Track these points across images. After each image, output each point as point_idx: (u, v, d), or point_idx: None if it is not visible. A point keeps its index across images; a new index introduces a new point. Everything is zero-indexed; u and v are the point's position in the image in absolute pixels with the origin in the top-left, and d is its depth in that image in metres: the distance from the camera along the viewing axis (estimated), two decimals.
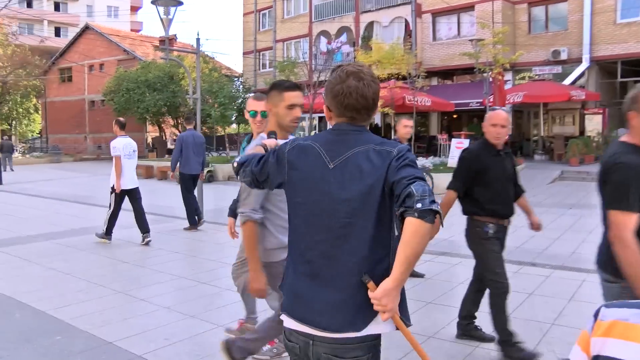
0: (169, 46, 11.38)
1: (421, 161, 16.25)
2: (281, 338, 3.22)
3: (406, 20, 24.75)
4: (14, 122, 41.84)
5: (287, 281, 1.99)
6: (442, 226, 1.98)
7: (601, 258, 2.56)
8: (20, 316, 4.80)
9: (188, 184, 9.22)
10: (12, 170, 25.42)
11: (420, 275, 5.91)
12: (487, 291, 3.91)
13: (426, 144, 22.44)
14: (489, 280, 3.84)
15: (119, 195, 7.96)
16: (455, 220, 4.13)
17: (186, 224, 9.21)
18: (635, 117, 2.39)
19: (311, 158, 1.92)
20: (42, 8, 52.97)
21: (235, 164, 2.21)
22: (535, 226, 4.08)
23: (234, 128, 30.12)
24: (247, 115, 3.74)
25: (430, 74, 22.83)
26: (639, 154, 2.37)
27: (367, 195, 1.79)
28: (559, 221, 9.47)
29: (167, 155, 26.80)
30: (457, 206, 3.95)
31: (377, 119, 27.10)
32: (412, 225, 1.62)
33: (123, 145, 7.95)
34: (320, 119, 27.42)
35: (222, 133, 27.70)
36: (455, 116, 25.06)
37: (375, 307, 1.73)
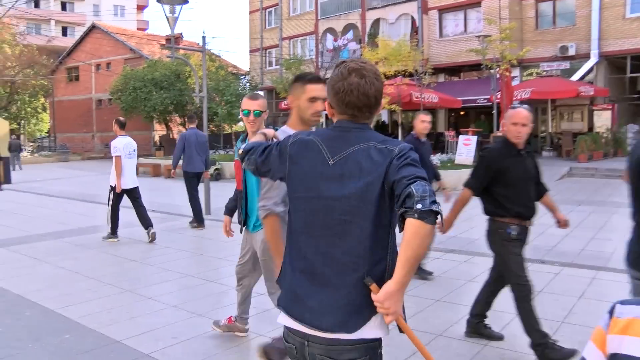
0: (175, 44, 11.39)
1: None
2: None
3: (412, 17, 24.67)
4: (22, 121, 42.08)
5: (284, 277, 1.97)
6: (443, 227, 1.95)
7: (632, 255, 2.48)
8: (29, 314, 4.83)
9: (192, 182, 9.27)
10: (21, 169, 25.58)
11: (429, 274, 5.89)
12: (512, 295, 3.78)
13: (433, 141, 22.36)
14: (512, 283, 3.75)
15: (118, 194, 8.01)
16: (464, 218, 4.11)
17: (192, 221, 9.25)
18: None
19: (312, 153, 1.90)
20: (49, 8, 53.21)
21: (241, 151, 2.21)
22: (562, 223, 4.01)
23: (241, 126, 30.11)
24: (241, 114, 3.75)
25: (437, 70, 22.74)
26: None
27: (364, 193, 1.76)
28: (567, 218, 9.40)
29: None
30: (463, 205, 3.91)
31: (384, 115, 27.06)
32: (412, 227, 1.59)
33: (123, 144, 7.99)
34: (328, 115, 27.38)
35: (229, 131, 27.74)
36: (462, 113, 24.95)
37: (379, 310, 1.71)
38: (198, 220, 9.17)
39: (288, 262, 1.96)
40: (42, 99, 41.43)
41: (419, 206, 1.57)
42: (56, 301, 5.13)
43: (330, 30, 27.88)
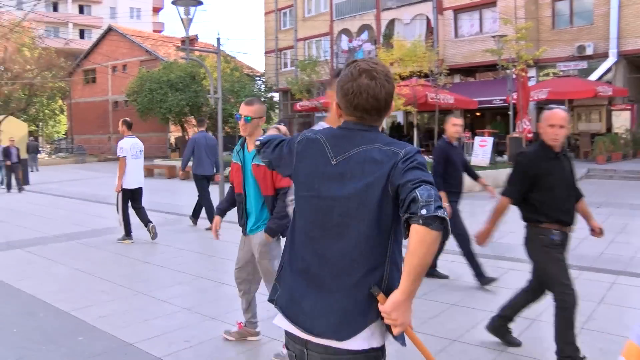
0: (190, 46, 11.43)
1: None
2: None
3: (427, 17, 24.53)
4: (40, 123, 42.62)
5: (284, 276, 1.92)
6: (450, 233, 1.88)
7: None
8: (44, 316, 4.85)
9: (202, 184, 9.33)
10: (37, 170, 25.88)
11: (444, 277, 5.81)
12: (554, 304, 3.58)
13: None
14: (556, 292, 3.53)
15: (125, 195, 8.09)
16: (482, 221, 4.04)
17: (207, 223, 9.25)
18: None
19: (316, 152, 1.86)
20: (67, 11, 53.87)
21: (257, 143, 2.19)
22: (597, 231, 3.78)
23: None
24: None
25: (453, 71, 22.57)
26: None
27: (364, 194, 1.71)
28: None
29: None
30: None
31: (399, 117, 26.93)
32: (417, 234, 1.53)
33: (130, 145, 8.07)
34: None
35: None
36: (478, 114, 24.75)
37: (386, 321, 1.65)
38: (211, 219, 9.19)
39: (287, 262, 1.92)
40: (60, 101, 41.91)
41: (423, 212, 1.52)
42: (70, 303, 5.15)
43: (345, 31, 27.83)
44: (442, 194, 5.48)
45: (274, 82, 32.87)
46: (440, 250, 5.85)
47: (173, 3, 10.09)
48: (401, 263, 1.77)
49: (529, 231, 3.66)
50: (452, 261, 6.31)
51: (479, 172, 6.27)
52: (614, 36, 19.88)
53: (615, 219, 9.21)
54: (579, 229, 3.85)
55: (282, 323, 1.88)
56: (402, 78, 17.95)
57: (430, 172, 1.68)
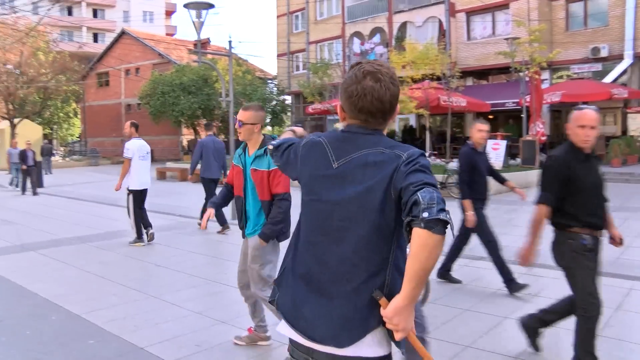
0: (202, 49, 11.46)
1: (456, 163, 15.96)
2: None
3: (440, 20, 24.43)
4: (55, 126, 43.10)
5: (287, 281, 1.88)
6: (454, 236, 1.85)
7: None
8: (55, 319, 4.85)
9: (210, 187, 9.41)
10: (51, 173, 26.11)
11: (457, 282, 5.74)
12: (577, 312, 3.47)
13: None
14: (580, 300, 3.40)
15: (136, 197, 8.12)
16: (494, 224, 3.97)
17: (217, 226, 9.25)
18: None
19: (318, 155, 1.83)
20: (81, 15, 54.44)
21: (270, 146, 2.17)
22: (617, 240, 3.65)
23: (269, 130, 30.28)
24: None
25: (465, 74, 22.47)
26: None
27: (364, 198, 1.67)
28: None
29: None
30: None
31: (411, 120, 26.84)
32: (419, 238, 1.49)
33: (137, 147, 8.12)
34: None
35: None
36: (491, 117, 24.58)
37: (388, 326, 1.61)
38: (220, 222, 9.19)
39: (290, 266, 1.89)
40: (74, 104, 42.36)
41: (425, 215, 1.48)
42: (82, 306, 5.15)
43: (357, 34, 27.80)
44: (468, 202, 5.42)
45: (286, 85, 32.93)
46: (457, 255, 5.79)
47: (185, 6, 10.15)
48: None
49: (557, 236, 3.53)
50: (465, 265, 6.24)
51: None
52: (629, 38, 19.65)
53: (632, 223, 9.07)
54: None
55: (286, 331, 1.85)
56: (415, 81, 17.89)
57: (433, 175, 1.64)
